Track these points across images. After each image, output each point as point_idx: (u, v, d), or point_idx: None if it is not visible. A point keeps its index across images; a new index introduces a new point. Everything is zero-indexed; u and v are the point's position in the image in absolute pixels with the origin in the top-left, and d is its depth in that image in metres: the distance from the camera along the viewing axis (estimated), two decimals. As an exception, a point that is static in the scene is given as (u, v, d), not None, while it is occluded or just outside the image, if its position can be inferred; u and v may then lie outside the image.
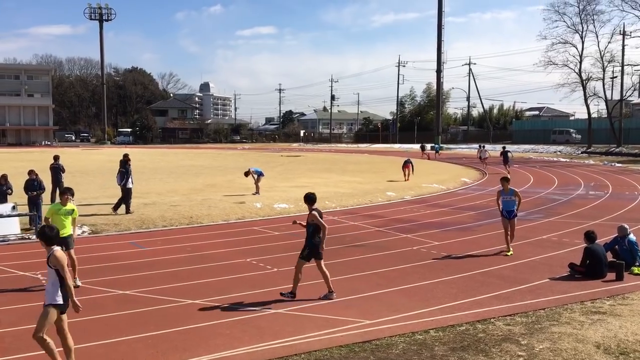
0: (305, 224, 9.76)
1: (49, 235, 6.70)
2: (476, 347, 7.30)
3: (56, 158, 21.38)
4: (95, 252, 13.18)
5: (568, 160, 51.47)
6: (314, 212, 9.50)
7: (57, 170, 20.86)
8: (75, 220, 10.45)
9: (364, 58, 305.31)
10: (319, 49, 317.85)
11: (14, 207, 15.47)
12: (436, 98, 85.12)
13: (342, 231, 15.90)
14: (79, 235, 15.16)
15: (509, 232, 12.87)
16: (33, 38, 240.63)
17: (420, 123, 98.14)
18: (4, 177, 16.69)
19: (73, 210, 10.27)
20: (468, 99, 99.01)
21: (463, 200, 23.04)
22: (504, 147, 39.66)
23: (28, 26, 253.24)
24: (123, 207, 18.49)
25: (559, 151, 64.93)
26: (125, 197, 18.65)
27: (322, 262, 9.52)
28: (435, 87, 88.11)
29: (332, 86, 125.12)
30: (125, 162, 19.09)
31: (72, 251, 9.98)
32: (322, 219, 9.49)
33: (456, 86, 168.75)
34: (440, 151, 57.93)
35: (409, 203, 22.28)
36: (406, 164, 31.59)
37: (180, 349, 7.16)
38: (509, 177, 13.52)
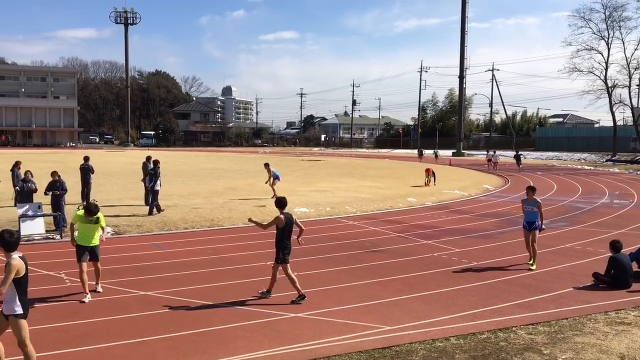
0: (256, 220, 10.40)
1: (8, 241, 6.25)
2: (497, 355, 7.21)
3: (86, 159, 21.92)
4: (117, 252, 13.33)
5: (592, 168, 50.72)
6: (281, 216, 9.79)
7: (86, 170, 21.36)
8: (103, 228, 10.38)
9: (386, 63, 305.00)
10: (341, 54, 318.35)
11: (39, 207, 15.72)
12: (458, 104, 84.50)
13: (363, 236, 15.86)
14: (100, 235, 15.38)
15: (529, 244, 12.28)
16: (60, 41, 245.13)
17: (442, 129, 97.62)
18: (29, 172, 16.99)
19: (98, 218, 10.07)
20: (491, 105, 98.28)
21: (485, 207, 22.82)
22: (517, 151, 49.77)
23: (55, 29, 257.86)
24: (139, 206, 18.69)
25: (583, 159, 64.02)
26: (153, 198, 18.97)
27: (288, 267, 9.73)
28: (457, 93, 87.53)
29: (353, 91, 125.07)
30: (154, 164, 19.57)
31: (98, 262, 10.05)
32: (294, 223, 9.96)
33: (479, 92, 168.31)
34: (439, 156, 58.87)
35: (430, 209, 22.14)
36: (428, 170, 31.76)
37: (200, 351, 7.19)
38: (534, 186, 12.79)
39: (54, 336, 7.69)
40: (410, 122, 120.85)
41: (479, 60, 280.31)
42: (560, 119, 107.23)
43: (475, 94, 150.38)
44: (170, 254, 13.26)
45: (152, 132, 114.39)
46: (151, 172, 19.45)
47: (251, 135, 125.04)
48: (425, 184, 31.11)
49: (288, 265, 9.68)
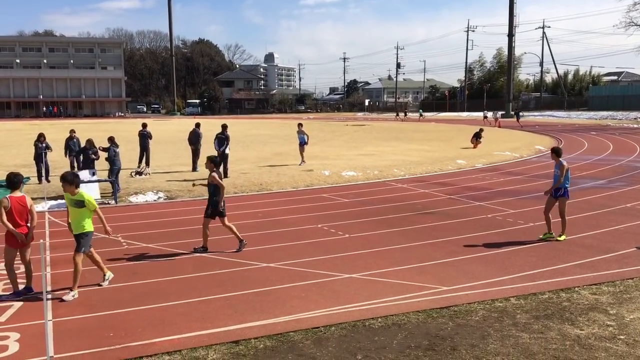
0: (206, 184, 10.44)
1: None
2: (561, 315, 7.00)
3: (144, 125, 22.59)
4: (170, 216, 13.56)
5: (651, 127, 48.55)
6: (214, 173, 10.12)
7: (144, 136, 22.03)
8: (94, 212, 8.05)
9: (431, 24, 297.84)
10: (384, 16, 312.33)
11: (93, 174, 16.11)
12: (507, 64, 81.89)
13: (413, 199, 15.64)
14: (155, 200, 15.71)
15: (547, 212, 10.95)
16: (104, 12, 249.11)
17: (490, 90, 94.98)
18: (90, 141, 17.41)
19: (82, 200, 7.89)
20: (541, 64, 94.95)
21: (538, 169, 22.15)
22: (517, 110, 62.16)
23: (100, 1, 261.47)
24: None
25: (639, 118, 61.36)
26: (224, 162, 19.41)
27: (225, 219, 10.23)
28: (506, 53, 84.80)
29: (397, 54, 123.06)
30: (223, 128, 20.05)
31: (91, 249, 8.21)
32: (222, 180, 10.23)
33: (528, 51, 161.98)
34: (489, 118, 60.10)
35: (481, 171, 21.64)
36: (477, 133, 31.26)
37: (258, 310, 7.24)
38: (558, 147, 11.29)
39: (116, 296, 7.88)
40: (457, 84, 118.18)
41: (529, 18, 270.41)
42: (615, 77, 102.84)
43: (525, 53, 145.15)
44: (222, 218, 13.37)
45: (197, 101, 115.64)
46: (221, 137, 19.86)
47: (294, 101, 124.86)
48: (474, 146, 30.48)
49: (225, 217, 10.28)
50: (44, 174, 18.24)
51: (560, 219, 10.80)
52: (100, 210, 8.14)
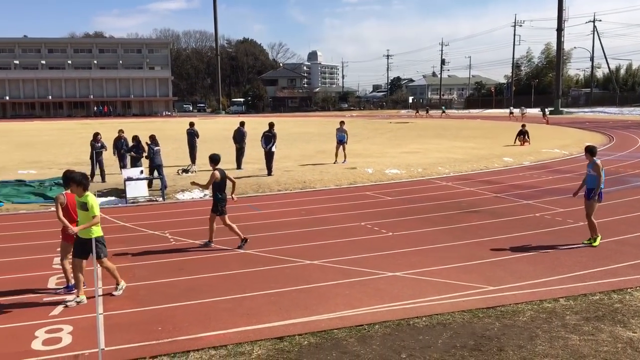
0: (197, 182, 10.99)
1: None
2: (613, 317, 6.78)
3: (191, 124, 23.24)
4: (216, 213, 13.76)
5: None
6: (215, 172, 10.37)
7: (192, 135, 22.61)
8: (94, 218, 7.56)
9: (476, 19, 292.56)
10: (428, 13, 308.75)
11: (141, 171, 16.51)
12: (556, 59, 79.62)
13: (458, 197, 15.42)
14: (200, 198, 15.97)
15: (588, 217, 10.15)
16: (152, 13, 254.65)
17: (538, 86, 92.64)
18: (136, 138, 17.88)
19: (85, 203, 7.60)
20: (592, 59, 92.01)
21: (588, 166, 21.47)
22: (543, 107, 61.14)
23: (147, 2, 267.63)
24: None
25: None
26: (270, 159, 19.79)
27: (226, 217, 10.48)
28: (554, 48, 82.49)
29: (442, 50, 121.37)
30: (270, 127, 20.32)
31: (104, 259, 7.84)
32: (227, 177, 10.59)
33: (578, 45, 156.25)
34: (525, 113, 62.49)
35: (529, 169, 21.15)
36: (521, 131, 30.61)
37: (302, 307, 7.28)
38: (593, 146, 10.50)
39: (163, 290, 8.07)
40: (503, 81, 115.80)
41: (578, 11, 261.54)
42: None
43: (575, 47, 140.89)
44: (266, 215, 13.52)
45: (241, 99, 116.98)
46: (268, 135, 20.13)
47: (337, 99, 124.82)
48: (521, 143, 29.82)
49: (226, 216, 10.49)
50: (98, 172, 18.84)
51: (587, 222, 10.16)
52: (98, 220, 7.59)
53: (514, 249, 9.95)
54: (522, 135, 30.49)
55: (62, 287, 8.15)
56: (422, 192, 16.38)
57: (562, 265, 8.91)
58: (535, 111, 66.36)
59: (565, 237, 10.71)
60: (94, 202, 7.67)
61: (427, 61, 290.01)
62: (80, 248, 7.66)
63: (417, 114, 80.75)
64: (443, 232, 11.28)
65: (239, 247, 10.34)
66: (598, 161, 10.06)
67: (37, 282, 8.48)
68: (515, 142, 30.21)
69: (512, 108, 68.80)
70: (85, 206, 7.60)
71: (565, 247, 10.00)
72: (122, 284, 8.09)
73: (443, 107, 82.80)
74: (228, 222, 10.45)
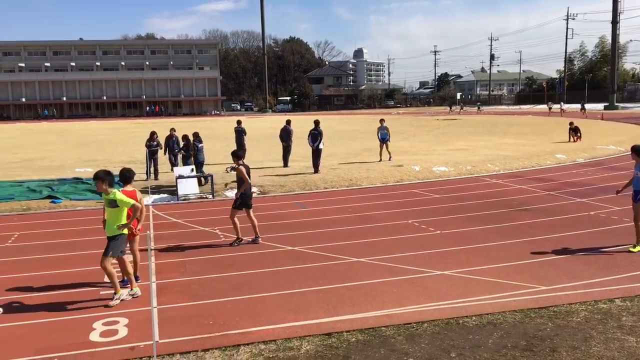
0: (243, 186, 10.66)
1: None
2: (673, 321, 6.53)
3: (239, 122, 23.86)
4: (264, 211, 13.93)
5: None
6: (240, 167, 10.52)
7: (240, 132, 23.16)
8: (133, 210, 7.73)
9: (527, 13, 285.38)
10: (476, 7, 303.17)
11: (192, 170, 16.89)
12: (611, 52, 76.83)
13: (508, 194, 15.12)
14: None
15: (637, 221, 9.42)
16: (201, 15, 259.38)
17: (592, 81, 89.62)
18: (185, 137, 18.32)
19: (114, 200, 7.57)
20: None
21: (646, 163, 20.67)
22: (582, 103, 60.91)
23: (196, 4, 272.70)
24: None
25: None
26: (318, 156, 20.08)
27: (251, 211, 10.72)
28: (609, 41, 79.58)
29: (491, 45, 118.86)
30: (316, 124, 20.56)
31: (124, 256, 7.88)
32: (249, 175, 10.64)
33: (634, 38, 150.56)
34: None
35: (582, 166, 20.53)
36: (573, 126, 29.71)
37: (349, 304, 7.31)
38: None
39: (215, 285, 8.24)
40: (555, 75, 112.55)
41: (634, 3, 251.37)
42: None
43: (631, 40, 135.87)
44: (313, 212, 13.60)
45: (288, 98, 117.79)
46: (314, 132, 20.36)
47: (383, 96, 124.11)
48: (574, 140, 28.97)
49: (251, 210, 10.75)
50: (152, 171, 19.38)
51: (634, 226, 9.47)
52: (137, 209, 7.70)
53: (567, 248, 9.69)
54: (574, 132, 29.60)
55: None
56: (471, 189, 16.14)
57: (618, 265, 8.63)
58: (574, 106, 65.40)
59: (622, 236, 10.35)
60: (122, 196, 7.59)
61: (476, 56, 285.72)
62: (116, 245, 7.65)
63: (451, 110, 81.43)
64: (493, 231, 11.10)
65: (253, 242, 10.64)
66: None
67: (94, 276, 8.80)
68: (570, 140, 29.34)
69: (550, 103, 71.44)
70: (114, 203, 7.54)
71: (622, 246, 9.67)
72: (119, 294, 7.64)
73: (478, 104, 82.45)
74: (252, 216, 10.71)
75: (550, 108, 68.43)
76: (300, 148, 25.72)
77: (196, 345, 6.20)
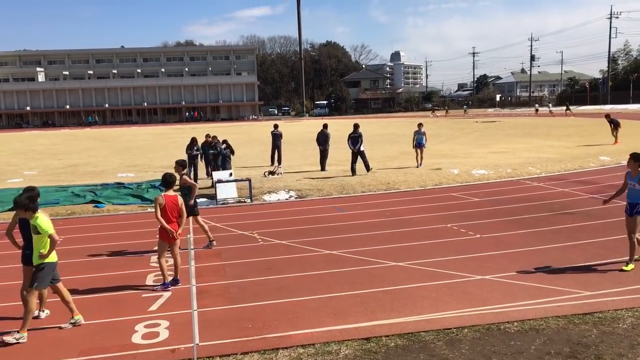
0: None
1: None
2: None
3: (276, 126, 24.26)
4: (302, 214, 14.00)
5: None
6: (184, 176, 10.69)
7: (277, 136, 23.49)
8: (51, 242, 6.78)
9: (568, 12, 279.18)
10: (516, 7, 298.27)
11: (231, 174, 17.08)
12: (658, 50, 74.38)
13: (550, 198, 14.79)
14: (286, 199, 16.29)
15: (632, 236, 8.51)
16: (239, 21, 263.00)
17: (637, 81, 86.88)
18: (225, 142, 18.61)
19: (35, 226, 6.73)
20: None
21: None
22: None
23: (234, 10, 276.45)
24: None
25: None
26: (362, 157, 20.49)
27: (199, 218, 10.90)
28: (656, 39, 77.05)
29: (531, 45, 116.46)
30: (355, 127, 20.90)
31: (58, 284, 7.09)
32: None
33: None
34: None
35: (627, 168, 19.89)
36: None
37: (388, 309, 7.27)
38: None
39: (253, 289, 8.31)
40: (599, 76, 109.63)
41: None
42: None
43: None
44: (350, 216, 13.58)
45: (324, 102, 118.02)
46: (354, 136, 20.58)
47: (421, 99, 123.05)
48: (615, 135, 28.09)
49: (198, 216, 10.99)
50: (192, 176, 19.66)
51: (628, 241, 8.57)
52: (55, 241, 6.81)
53: (612, 252, 9.42)
54: (614, 125, 28.59)
55: (159, 284, 8.59)
56: (512, 193, 15.85)
57: (667, 271, 8.34)
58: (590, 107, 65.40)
59: (671, 240, 9.99)
60: (42, 222, 6.71)
61: (516, 57, 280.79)
62: (42, 276, 6.77)
63: (447, 113, 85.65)
64: (534, 235, 10.87)
65: (206, 247, 10.76)
66: None
67: (136, 279, 8.99)
68: (613, 135, 28.42)
69: (537, 105, 79.05)
70: (35, 229, 6.70)
71: (671, 251, 9.33)
72: (23, 335, 6.61)
73: (465, 107, 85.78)
74: (201, 221, 10.90)
75: (537, 110, 73.49)
76: (337, 152, 25.77)
77: (235, 348, 6.26)
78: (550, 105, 77.62)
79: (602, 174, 18.82)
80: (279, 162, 23.02)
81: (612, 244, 9.98)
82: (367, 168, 20.58)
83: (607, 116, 29.61)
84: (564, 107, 67.03)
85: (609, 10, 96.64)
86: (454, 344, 6.19)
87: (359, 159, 20.49)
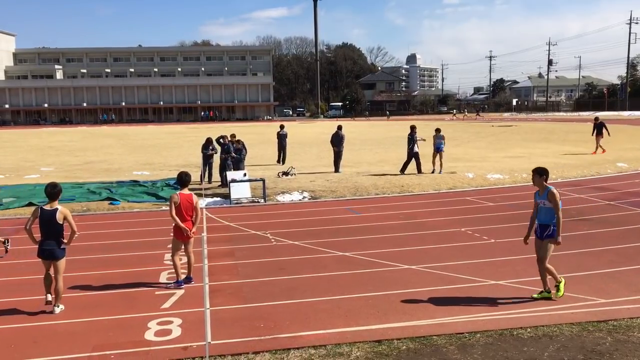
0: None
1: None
2: None
3: (282, 127, 24.40)
4: (315, 215, 14.01)
5: None
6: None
7: (283, 137, 23.66)
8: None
9: (587, 17, 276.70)
10: (533, 11, 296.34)
11: (245, 174, 17.13)
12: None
13: (566, 204, 14.60)
14: (300, 200, 16.30)
15: (543, 263, 7.59)
16: (255, 21, 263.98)
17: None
18: (240, 141, 18.70)
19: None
20: None
21: None
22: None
23: (251, 11, 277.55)
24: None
25: None
26: (417, 159, 20.94)
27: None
28: (677, 44, 76.11)
29: (549, 50, 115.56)
30: (412, 129, 21.29)
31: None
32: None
33: None
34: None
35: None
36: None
37: (400, 311, 7.24)
38: (543, 168, 7.85)
39: (265, 289, 8.33)
40: (617, 81, 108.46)
41: None
42: None
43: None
44: (364, 218, 13.56)
45: (339, 104, 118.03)
46: (410, 138, 20.99)
47: (436, 102, 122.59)
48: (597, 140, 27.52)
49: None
50: (206, 176, 19.75)
51: (538, 269, 7.69)
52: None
53: (628, 260, 9.31)
54: (597, 128, 28.01)
55: (172, 282, 8.64)
56: (527, 198, 15.70)
57: (684, 280, 8.22)
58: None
59: (689, 249, 9.86)
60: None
61: (533, 62, 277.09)
62: None
63: (454, 116, 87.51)
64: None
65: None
66: (553, 189, 7.48)
67: (150, 276, 9.06)
68: (595, 151, 27.75)
69: (454, 111, 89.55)
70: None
71: (689, 260, 9.21)
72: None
73: (478, 110, 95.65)
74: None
75: (454, 115, 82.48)
76: (351, 154, 25.74)
77: (247, 348, 6.28)
78: (465, 111, 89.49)
79: (619, 180, 18.62)
80: (284, 161, 23.76)
81: (628, 251, 9.87)
82: (419, 168, 20.94)
83: (596, 119, 29.00)
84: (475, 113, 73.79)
85: (629, 15, 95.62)
86: (466, 348, 6.15)
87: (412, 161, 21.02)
